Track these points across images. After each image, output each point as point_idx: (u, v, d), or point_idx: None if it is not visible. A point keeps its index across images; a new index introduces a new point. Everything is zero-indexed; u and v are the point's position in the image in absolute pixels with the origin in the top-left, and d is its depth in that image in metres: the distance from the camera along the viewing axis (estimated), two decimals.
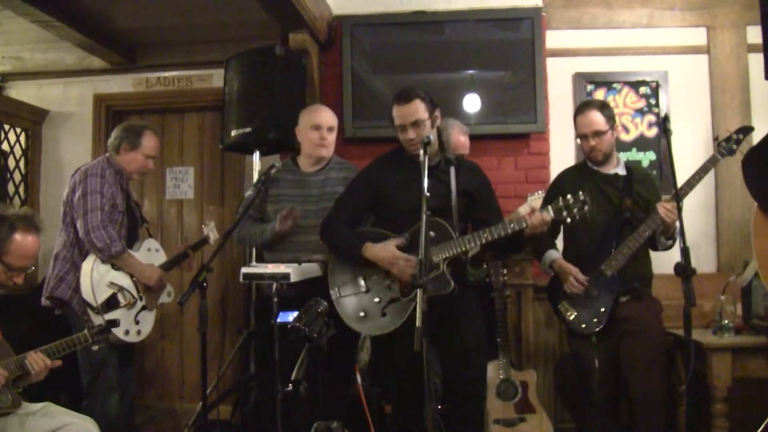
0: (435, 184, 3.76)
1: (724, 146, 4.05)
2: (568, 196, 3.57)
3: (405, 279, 3.66)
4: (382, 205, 3.91)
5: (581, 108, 4.31)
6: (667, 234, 4.08)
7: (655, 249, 4.21)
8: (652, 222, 4.01)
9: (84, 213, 4.17)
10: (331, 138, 4.34)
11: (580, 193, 3.55)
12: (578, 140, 4.29)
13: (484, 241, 3.59)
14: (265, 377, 4.44)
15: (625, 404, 4.38)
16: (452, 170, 3.82)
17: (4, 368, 3.16)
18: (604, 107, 4.26)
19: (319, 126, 4.29)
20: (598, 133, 4.17)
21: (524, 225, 3.55)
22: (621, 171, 4.30)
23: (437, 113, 3.84)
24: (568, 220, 3.58)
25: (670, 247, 4.15)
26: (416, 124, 3.73)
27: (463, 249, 3.61)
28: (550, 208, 3.57)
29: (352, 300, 3.82)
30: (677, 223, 3.68)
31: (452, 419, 3.82)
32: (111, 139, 4.50)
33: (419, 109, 3.75)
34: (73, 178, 4.37)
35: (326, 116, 4.35)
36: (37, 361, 3.27)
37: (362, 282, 3.81)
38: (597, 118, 4.19)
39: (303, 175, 4.34)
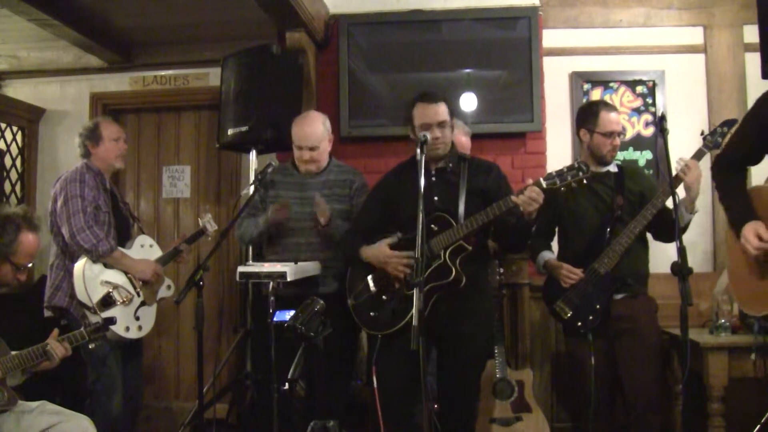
0: (442, 185, 3.81)
1: (709, 140, 4.06)
2: (563, 166, 3.53)
3: (399, 275, 3.72)
4: (394, 213, 3.92)
5: (606, 106, 4.32)
6: (690, 197, 4.01)
7: (670, 238, 4.15)
8: (643, 218, 4.02)
9: (67, 218, 4.22)
10: (317, 154, 4.32)
11: (578, 162, 3.52)
12: (589, 138, 4.25)
13: (480, 223, 3.58)
14: (261, 376, 4.45)
15: (621, 403, 4.37)
16: (465, 170, 3.83)
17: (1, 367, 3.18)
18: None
19: (300, 147, 4.31)
20: (620, 133, 4.25)
21: (513, 202, 3.50)
22: (612, 169, 4.31)
23: (453, 120, 3.87)
24: (563, 189, 3.53)
25: (689, 221, 4.11)
26: (442, 125, 3.76)
27: (461, 234, 3.60)
28: (541, 179, 3.51)
29: (365, 303, 3.86)
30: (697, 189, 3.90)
31: (443, 420, 3.83)
32: (77, 149, 4.56)
33: (444, 111, 3.79)
34: (54, 188, 4.43)
35: (306, 135, 4.31)
36: (59, 348, 3.37)
37: (371, 284, 3.84)
38: (619, 118, 4.30)
39: (302, 177, 4.36)
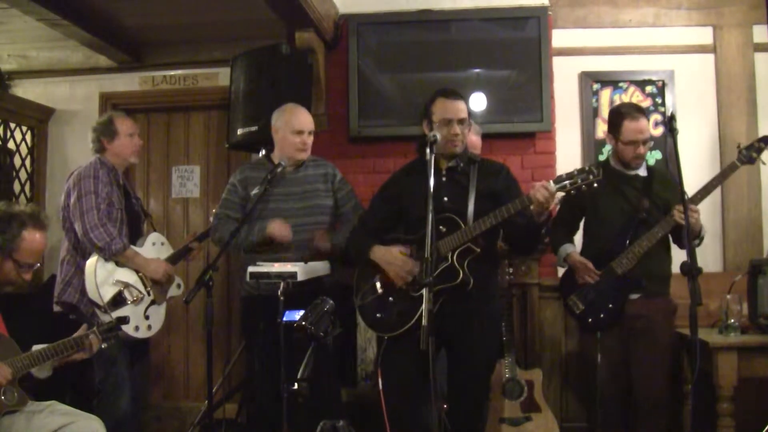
0: (452, 186, 3.79)
1: (744, 154, 4.07)
2: (574, 169, 3.49)
3: (398, 282, 3.72)
4: (403, 213, 3.92)
5: (631, 113, 4.21)
6: (691, 236, 3.85)
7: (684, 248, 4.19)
8: (666, 224, 4.02)
9: (81, 215, 4.21)
10: (311, 140, 4.39)
11: (590, 165, 3.47)
12: (614, 143, 4.25)
13: (489, 225, 3.56)
14: (268, 376, 4.45)
15: (633, 403, 4.38)
16: (474, 171, 3.81)
17: (10, 365, 3.18)
18: (645, 112, 4.30)
19: (301, 131, 4.33)
20: (646, 141, 4.20)
21: (526, 202, 3.49)
22: (642, 172, 4.30)
23: (470, 120, 3.87)
24: (573, 192, 3.49)
25: (698, 245, 4.05)
26: (462, 122, 3.75)
27: (470, 236, 3.58)
28: (551, 182, 3.47)
29: (371, 304, 3.85)
30: (699, 222, 3.84)
31: (453, 421, 3.83)
32: (90, 144, 4.55)
33: (465, 108, 3.79)
34: (67, 183, 4.42)
35: (307, 120, 4.39)
36: (95, 340, 3.43)
37: (378, 285, 3.83)
38: (648, 126, 4.25)
39: (282, 173, 4.34)
